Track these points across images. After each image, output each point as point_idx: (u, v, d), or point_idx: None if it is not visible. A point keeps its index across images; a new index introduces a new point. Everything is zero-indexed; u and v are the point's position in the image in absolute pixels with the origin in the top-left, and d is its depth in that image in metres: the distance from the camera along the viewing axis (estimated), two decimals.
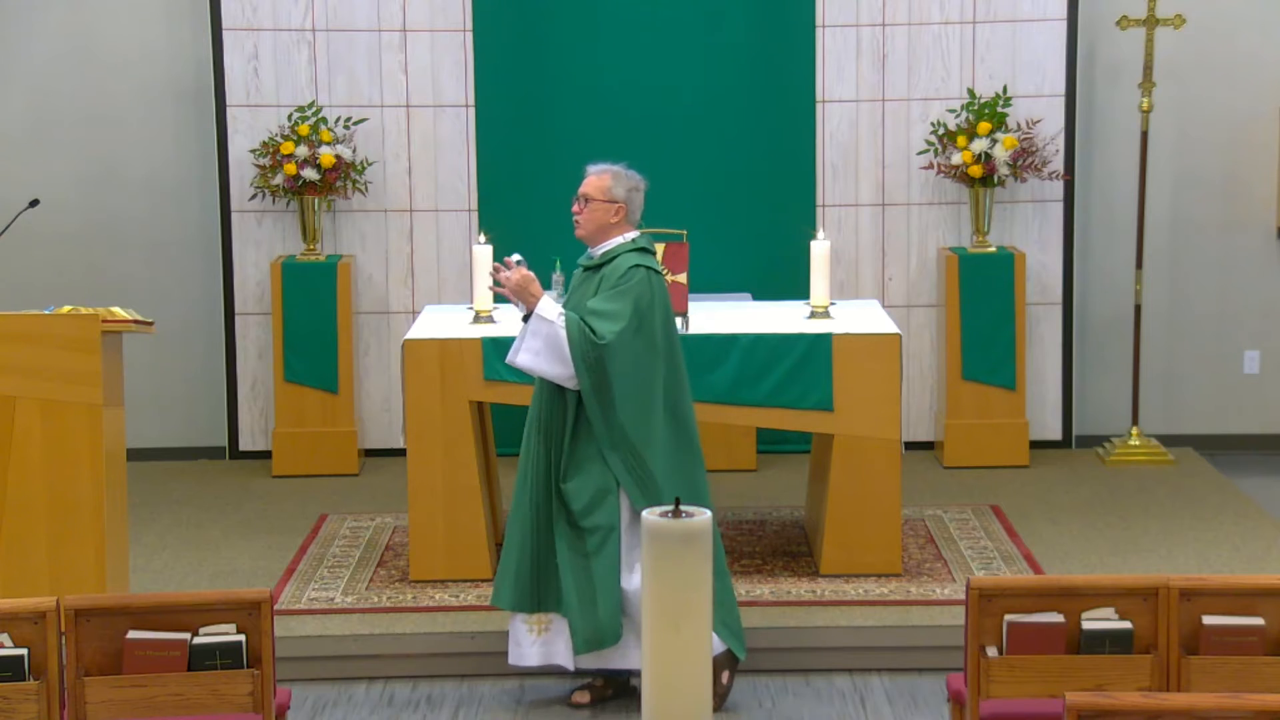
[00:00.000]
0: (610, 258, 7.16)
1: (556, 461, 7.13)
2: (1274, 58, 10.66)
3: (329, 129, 10.26)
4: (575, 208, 7.18)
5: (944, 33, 10.49)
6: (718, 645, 7.18)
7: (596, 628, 7.09)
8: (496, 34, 10.48)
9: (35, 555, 7.09)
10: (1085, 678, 5.68)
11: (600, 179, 7.17)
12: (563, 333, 7.01)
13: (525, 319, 7.16)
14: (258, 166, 10.34)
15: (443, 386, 8.13)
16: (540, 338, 7.05)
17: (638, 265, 7.11)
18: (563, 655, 7.19)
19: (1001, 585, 5.81)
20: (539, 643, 7.18)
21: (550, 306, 7.06)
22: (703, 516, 6.15)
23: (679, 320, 7.94)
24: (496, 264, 7.19)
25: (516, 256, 7.21)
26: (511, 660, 7.26)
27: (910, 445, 10.51)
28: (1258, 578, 5.78)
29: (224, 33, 10.42)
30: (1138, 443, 10.44)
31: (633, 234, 7.19)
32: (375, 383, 10.67)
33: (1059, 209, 10.56)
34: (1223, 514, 9.31)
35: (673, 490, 6.95)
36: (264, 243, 10.56)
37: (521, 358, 7.09)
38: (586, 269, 7.22)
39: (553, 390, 7.14)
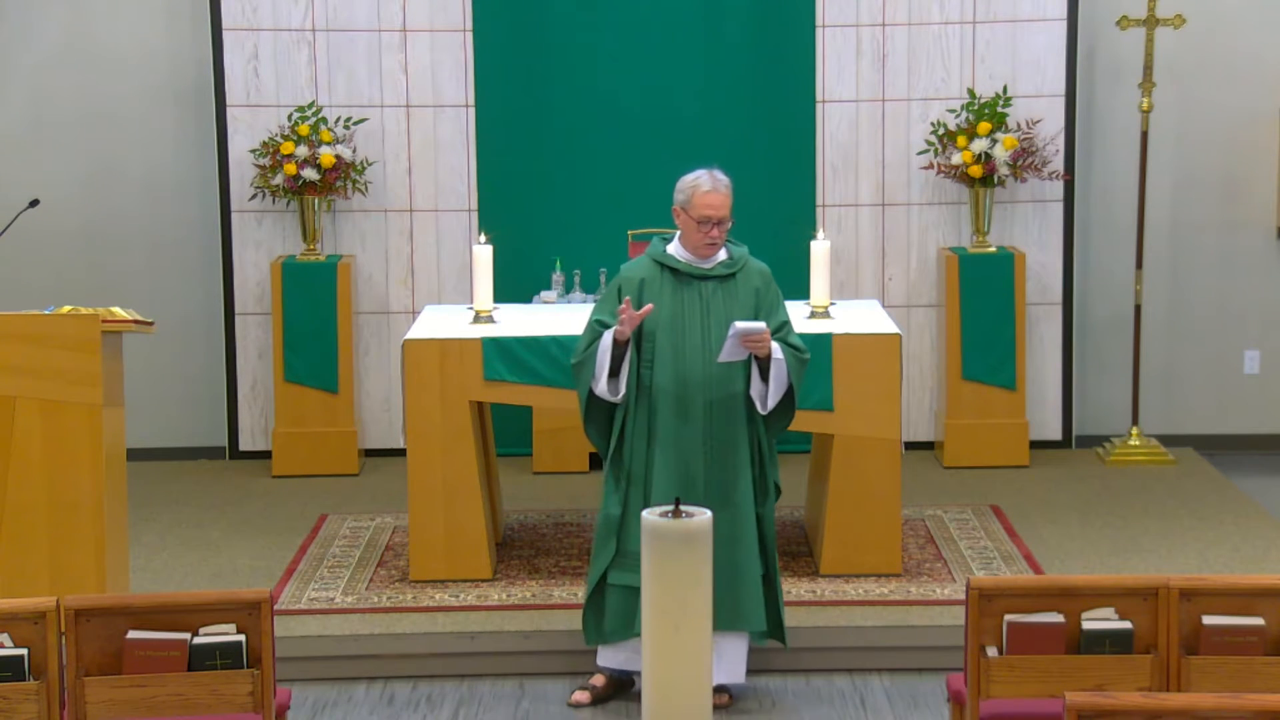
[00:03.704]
0: (740, 264, 7.17)
1: (748, 482, 7.13)
2: (1274, 58, 10.66)
3: (329, 129, 10.26)
4: (715, 233, 7.07)
5: (944, 33, 10.49)
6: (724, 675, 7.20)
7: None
8: (496, 34, 10.49)
9: (35, 555, 7.09)
10: (1085, 678, 5.68)
11: (730, 195, 7.08)
12: (785, 367, 7.07)
13: (616, 346, 7.03)
14: (258, 166, 10.34)
15: (443, 386, 8.13)
16: (774, 380, 7.07)
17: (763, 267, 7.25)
18: (728, 672, 7.21)
19: (1001, 585, 5.81)
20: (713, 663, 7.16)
21: (777, 347, 7.07)
22: (703, 516, 6.15)
23: None
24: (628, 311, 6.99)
25: (757, 325, 7.03)
26: None
27: (910, 445, 10.51)
28: (1258, 578, 5.78)
29: (224, 33, 10.42)
30: (1138, 443, 10.44)
31: None
32: (375, 383, 10.67)
33: (1059, 209, 10.56)
34: (1223, 514, 9.32)
35: None
36: (264, 243, 10.56)
37: (773, 401, 7.10)
38: (704, 278, 7.12)
39: (743, 411, 7.12)
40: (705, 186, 7.08)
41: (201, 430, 10.79)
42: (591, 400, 7.16)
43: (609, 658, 7.25)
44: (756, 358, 7.03)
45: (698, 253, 7.14)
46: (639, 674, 7.17)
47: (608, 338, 7.03)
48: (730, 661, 7.19)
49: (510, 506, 9.49)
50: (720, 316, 7.08)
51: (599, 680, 7.34)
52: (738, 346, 6.97)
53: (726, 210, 7.08)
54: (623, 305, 7.00)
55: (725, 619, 7.08)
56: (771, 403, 7.10)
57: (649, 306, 7.02)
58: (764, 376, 7.08)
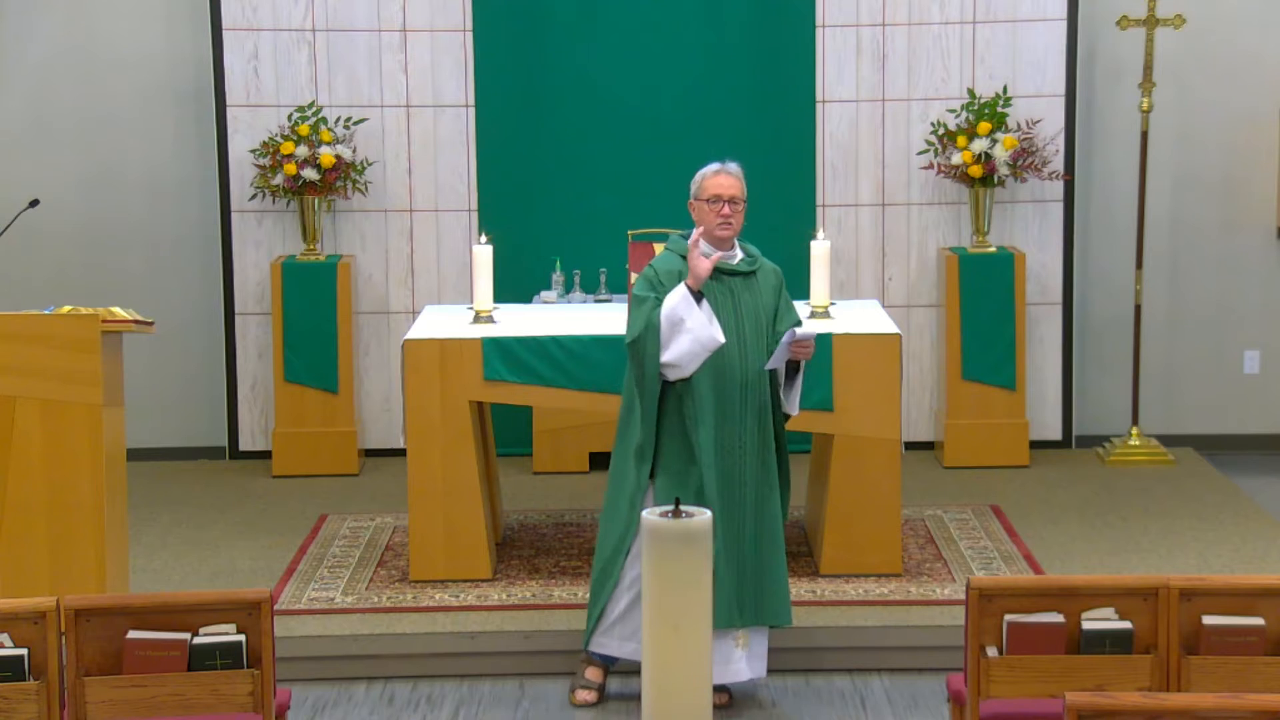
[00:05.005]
0: (758, 262, 7.18)
1: (775, 478, 7.19)
2: (1274, 58, 10.66)
3: (329, 129, 10.26)
4: (726, 210, 7.01)
5: (944, 33, 10.49)
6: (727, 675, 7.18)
7: None
8: (496, 34, 10.49)
9: (35, 555, 7.09)
10: (1085, 678, 5.68)
11: (740, 180, 7.08)
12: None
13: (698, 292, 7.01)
14: (258, 166, 10.34)
15: (443, 386, 8.13)
16: (801, 381, 7.20)
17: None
18: (755, 667, 7.21)
19: (1001, 585, 5.81)
20: (745, 657, 7.16)
21: None
22: (703, 516, 6.16)
23: None
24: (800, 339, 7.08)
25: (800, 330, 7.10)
26: (724, 680, 7.13)
27: (910, 445, 10.52)
28: (1258, 578, 5.78)
29: (224, 33, 10.42)
30: (1138, 443, 10.44)
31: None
32: (375, 383, 10.67)
33: (1059, 209, 10.56)
34: (1223, 514, 9.32)
35: None
36: (264, 243, 10.56)
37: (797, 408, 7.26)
38: (731, 274, 7.09)
39: (771, 408, 7.15)
40: (714, 169, 7.13)
41: (201, 430, 10.79)
42: (648, 385, 7.01)
43: (616, 647, 7.21)
44: (789, 360, 7.10)
45: (714, 237, 7.09)
46: (622, 659, 7.21)
47: (680, 289, 6.96)
48: (758, 656, 7.20)
49: (510, 506, 9.49)
50: (751, 313, 7.09)
51: (595, 675, 7.32)
52: (787, 351, 7.00)
53: (738, 190, 7.06)
54: (693, 241, 6.93)
55: (755, 614, 7.12)
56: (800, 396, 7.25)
57: (718, 254, 7.03)
58: (787, 378, 7.16)
